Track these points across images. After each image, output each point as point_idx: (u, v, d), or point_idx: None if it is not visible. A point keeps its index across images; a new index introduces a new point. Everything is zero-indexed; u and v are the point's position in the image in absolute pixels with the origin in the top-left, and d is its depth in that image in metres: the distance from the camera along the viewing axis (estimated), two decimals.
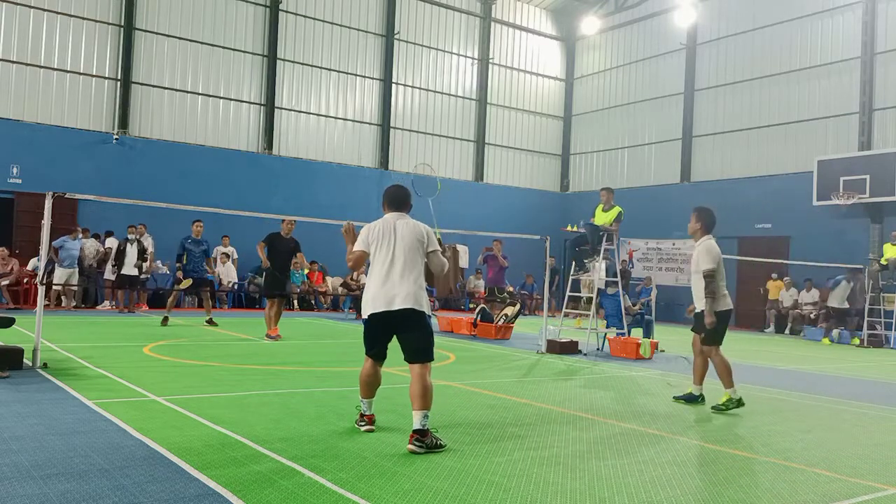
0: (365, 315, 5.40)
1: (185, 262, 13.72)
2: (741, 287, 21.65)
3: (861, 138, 20.28)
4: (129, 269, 16.47)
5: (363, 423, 5.57)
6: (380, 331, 5.38)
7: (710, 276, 7.13)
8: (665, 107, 25.52)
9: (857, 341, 17.38)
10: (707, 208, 7.60)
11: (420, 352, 5.22)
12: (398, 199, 5.63)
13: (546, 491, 4.21)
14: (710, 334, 7.21)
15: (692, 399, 7.50)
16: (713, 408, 7.10)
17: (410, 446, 4.92)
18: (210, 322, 13.90)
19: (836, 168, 19.90)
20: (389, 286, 5.26)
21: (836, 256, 19.08)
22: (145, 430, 5.15)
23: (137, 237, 16.84)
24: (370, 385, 5.55)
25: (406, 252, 5.35)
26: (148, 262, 17.32)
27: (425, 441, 4.94)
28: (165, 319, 13.72)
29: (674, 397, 7.70)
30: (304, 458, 4.65)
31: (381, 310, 5.25)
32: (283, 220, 12.37)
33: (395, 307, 5.22)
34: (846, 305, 17.99)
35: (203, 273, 14.07)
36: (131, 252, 16.52)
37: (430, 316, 5.42)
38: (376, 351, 5.47)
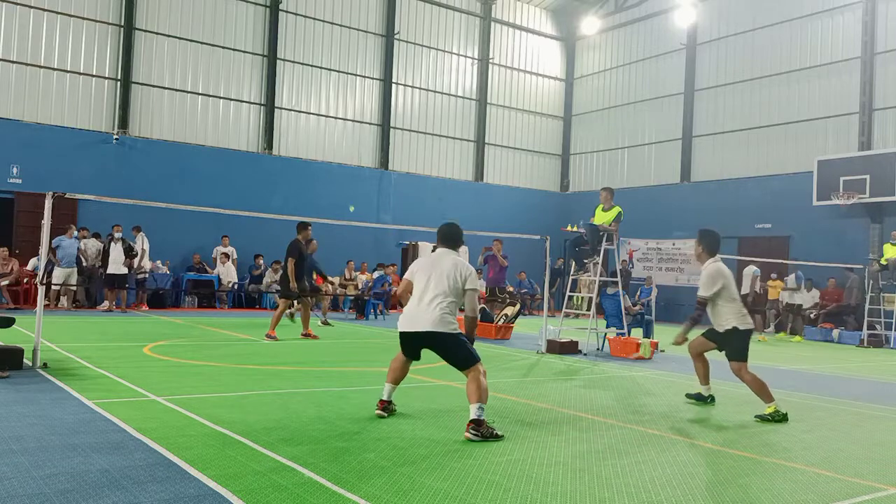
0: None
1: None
2: (741, 287, 21.63)
3: (861, 138, 20.28)
4: (116, 268, 16.47)
5: (377, 409, 6.06)
6: (408, 345, 6.13)
7: (702, 304, 7.08)
8: (665, 107, 25.51)
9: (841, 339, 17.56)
10: (710, 231, 7.45)
11: (460, 361, 5.85)
12: (446, 236, 6.25)
13: (546, 491, 4.22)
14: (739, 351, 7.04)
15: (701, 399, 7.53)
16: (758, 417, 6.84)
17: (467, 434, 5.40)
18: (325, 323, 14.94)
19: (836, 168, 19.90)
20: (420, 309, 5.92)
21: (836, 256, 19.08)
22: (145, 430, 5.16)
23: (123, 236, 16.90)
24: (394, 371, 6.17)
25: (440, 282, 5.93)
26: (138, 261, 17.35)
27: (480, 430, 5.40)
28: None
29: (686, 395, 7.73)
30: (304, 458, 4.65)
31: (406, 329, 6.01)
32: (307, 227, 12.47)
33: (419, 329, 5.90)
34: (796, 301, 18.18)
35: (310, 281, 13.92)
36: (115, 251, 16.54)
37: (458, 333, 5.93)
38: (408, 354, 6.19)
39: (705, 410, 7.23)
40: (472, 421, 5.45)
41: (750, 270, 18.14)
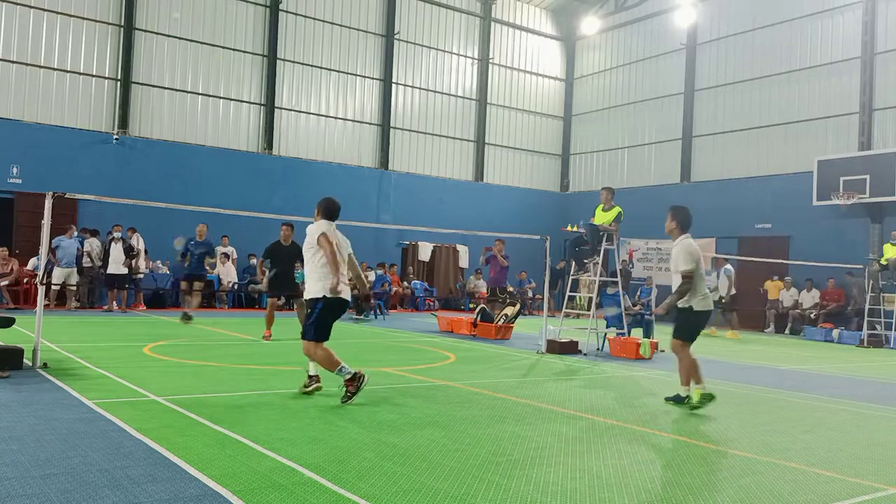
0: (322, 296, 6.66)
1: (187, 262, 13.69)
2: (741, 287, 21.62)
3: (861, 138, 20.28)
4: (116, 267, 16.46)
5: (357, 382, 6.52)
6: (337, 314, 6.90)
7: (688, 277, 7.05)
8: (665, 107, 25.51)
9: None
10: (682, 207, 7.50)
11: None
12: (331, 210, 7.05)
13: (546, 491, 4.22)
14: (683, 329, 7.13)
15: (679, 400, 7.22)
16: (668, 398, 7.23)
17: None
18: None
19: (836, 168, 19.90)
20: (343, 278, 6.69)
21: (836, 256, 19.08)
22: (145, 430, 5.16)
23: (123, 236, 16.89)
24: (331, 355, 6.81)
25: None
26: (137, 261, 17.35)
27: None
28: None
29: (691, 401, 7.33)
30: (304, 457, 4.65)
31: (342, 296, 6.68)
32: (282, 227, 12.35)
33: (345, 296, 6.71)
34: (734, 291, 18.22)
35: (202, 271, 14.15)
36: (116, 251, 16.53)
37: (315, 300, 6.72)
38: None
39: (705, 411, 7.21)
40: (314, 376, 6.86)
41: (726, 270, 18.10)
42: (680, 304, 7.14)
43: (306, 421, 5.79)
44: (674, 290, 7.18)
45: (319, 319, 6.67)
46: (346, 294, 6.69)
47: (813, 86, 21.63)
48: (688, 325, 7.14)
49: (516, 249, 19.08)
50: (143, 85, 20.41)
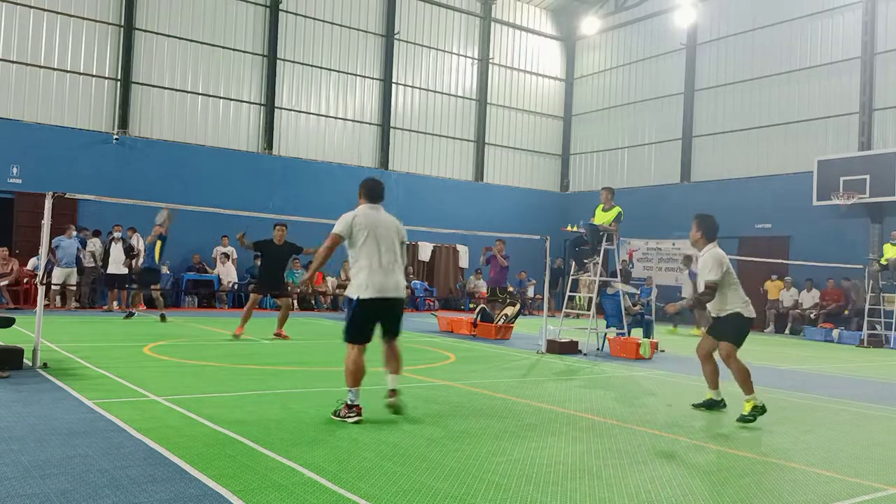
0: (357, 297, 5.87)
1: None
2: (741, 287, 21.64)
3: (861, 138, 20.28)
4: (116, 267, 16.46)
5: (352, 415, 5.71)
6: (372, 316, 5.97)
7: (711, 288, 6.86)
8: (665, 107, 25.51)
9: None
10: (708, 215, 7.27)
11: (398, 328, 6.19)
12: (375, 192, 6.20)
13: (546, 491, 4.22)
14: (737, 336, 6.86)
15: (713, 405, 7.21)
16: (740, 419, 6.56)
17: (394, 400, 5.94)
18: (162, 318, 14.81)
19: (836, 168, 19.90)
20: (384, 274, 5.89)
21: (836, 256, 19.08)
22: (145, 430, 5.16)
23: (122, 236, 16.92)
24: (358, 371, 5.89)
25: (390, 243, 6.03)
26: (137, 261, 17.36)
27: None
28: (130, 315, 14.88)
29: (693, 405, 7.34)
30: (304, 457, 4.65)
31: (377, 296, 5.84)
32: (275, 227, 12.36)
33: (390, 295, 5.88)
34: (685, 295, 18.07)
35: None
36: (115, 251, 16.53)
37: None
38: (366, 336, 5.97)
39: (704, 411, 7.21)
40: (394, 390, 5.95)
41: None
42: (726, 311, 6.89)
43: (306, 421, 5.78)
44: (686, 294, 7.07)
45: (349, 320, 5.94)
46: (387, 291, 5.87)
47: (813, 86, 21.63)
48: (740, 331, 6.90)
49: (516, 249, 19.08)
50: (143, 85, 20.41)
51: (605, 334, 12.62)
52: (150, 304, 18.45)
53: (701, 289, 7.05)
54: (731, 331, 6.88)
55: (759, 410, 6.56)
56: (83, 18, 19.68)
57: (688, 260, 18.77)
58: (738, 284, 7.01)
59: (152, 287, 15.54)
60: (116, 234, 16.80)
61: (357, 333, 5.88)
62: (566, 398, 7.55)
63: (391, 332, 6.11)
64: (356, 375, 5.78)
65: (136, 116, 20.30)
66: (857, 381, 10.39)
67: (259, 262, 12.82)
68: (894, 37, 20.00)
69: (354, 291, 5.85)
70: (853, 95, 20.59)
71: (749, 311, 6.93)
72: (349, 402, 5.75)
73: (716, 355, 7.16)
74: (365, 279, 5.83)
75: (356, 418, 5.67)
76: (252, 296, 12.44)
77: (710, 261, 6.94)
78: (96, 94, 19.85)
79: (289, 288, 13.78)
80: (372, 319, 5.94)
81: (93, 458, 4.42)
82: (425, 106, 25.61)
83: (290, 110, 22.80)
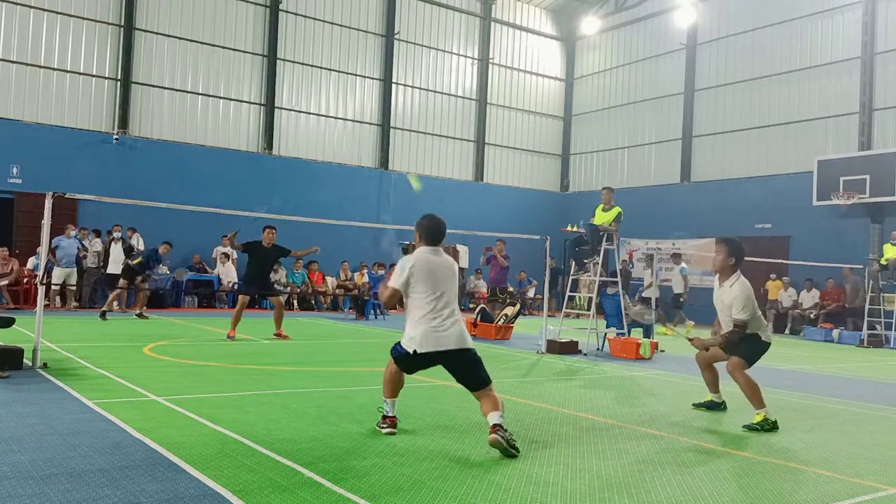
0: (410, 349, 5.28)
1: None
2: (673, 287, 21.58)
3: (861, 138, 20.28)
4: (116, 268, 16.45)
5: (385, 426, 5.47)
6: (426, 365, 5.43)
7: (741, 326, 6.42)
8: (665, 107, 25.52)
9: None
10: (736, 240, 6.75)
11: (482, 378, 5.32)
12: (435, 232, 5.50)
13: (546, 491, 4.21)
14: (751, 354, 6.61)
15: (714, 406, 7.19)
16: (746, 426, 6.33)
17: (495, 436, 4.89)
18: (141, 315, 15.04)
19: (836, 168, 19.91)
20: (440, 323, 5.25)
21: (836, 256, 19.08)
22: (145, 430, 5.15)
23: (123, 236, 16.93)
24: (396, 383, 5.51)
25: (451, 287, 5.38)
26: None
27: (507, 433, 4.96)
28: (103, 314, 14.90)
29: (694, 405, 7.33)
30: (304, 458, 4.65)
31: (429, 349, 5.21)
32: (265, 229, 12.34)
33: (446, 347, 5.21)
34: (682, 290, 18.11)
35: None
36: (115, 251, 16.53)
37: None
38: (410, 372, 5.52)
39: (705, 411, 7.21)
40: (497, 425, 4.95)
41: (682, 269, 18.12)
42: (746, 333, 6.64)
43: (306, 421, 5.78)
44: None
45: (397, 356, 5.45)
46: (448, 345, 5.21)
47: (813, 86, 21.63)
48: (755, 353, 6.67)
49: (516, 249, 19.05)
50: (143, 85, 20.41)
51: (605, 334, 12.62)
52: (150, 304, 18.46)
53: (727, 322, 6.65)
54: (746, 349, 6.64)
55: (768, 424, 6.25)
56: (83, 18, 19.69)
57: (677, 258, 18.81)
58: (758, 308, 6.74)
59: (139, 280, 15.36)
60: (116, 234, 16.81)
61: (402, 367, 5.46)
62: (566, 398, 7.55)
63: (473, 387, 5.32)
64: (391, 386, 5.50)
65: (136, 116, 20.30)
66: (857, 381, 10.38)
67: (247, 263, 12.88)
68: (894, 37, 20.00)
69: (408, 344, 5.28)
70: (853, 95, 20.59)
71: (767, 336, 6.70)
72: (384, 413, 5.51)
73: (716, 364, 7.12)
74: (420, 332, 5.22)
75: (389, 430, 5.41)
76: (240, 298, 12.37)
77: (742, 296, 6.44)
78: (96, 94, 19.85)
79: (288, 288, 13.83)
80: (424, 367, 5.46)
81: (93, 458, 4.41)
82: (425, 106, 25.61)
83: (289, 110, 22.80)
